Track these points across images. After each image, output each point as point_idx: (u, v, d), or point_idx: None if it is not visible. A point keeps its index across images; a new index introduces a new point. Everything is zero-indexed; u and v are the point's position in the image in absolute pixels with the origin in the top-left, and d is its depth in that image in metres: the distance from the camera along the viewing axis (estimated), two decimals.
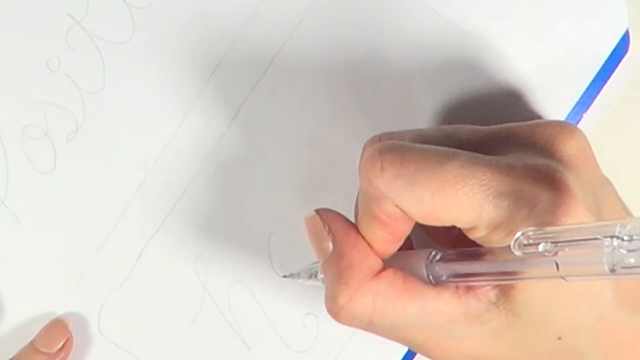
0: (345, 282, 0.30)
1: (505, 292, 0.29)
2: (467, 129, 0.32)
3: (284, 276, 0.38)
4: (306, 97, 0.38)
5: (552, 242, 0.25)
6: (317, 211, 0.33)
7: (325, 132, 0.38)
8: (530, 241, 0.25)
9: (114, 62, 0.39)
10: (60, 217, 0.39)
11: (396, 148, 0.30)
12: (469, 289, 0.30)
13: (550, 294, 0.29)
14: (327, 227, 0.32)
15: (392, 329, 0.31)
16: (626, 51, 0.38)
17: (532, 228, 0.26)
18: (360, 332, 0.38)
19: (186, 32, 0.38)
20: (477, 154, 0.29)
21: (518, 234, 0.26)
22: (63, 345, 0.39)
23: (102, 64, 0.39)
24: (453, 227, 0.30)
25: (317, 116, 0.38)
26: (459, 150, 0.29)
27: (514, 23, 0.38)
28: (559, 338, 0.30)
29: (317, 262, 0.34)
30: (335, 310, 0.31)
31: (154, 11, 0.38)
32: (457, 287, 0.30)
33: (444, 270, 0.30)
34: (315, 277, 0.36)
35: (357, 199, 0.33)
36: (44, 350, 0.38)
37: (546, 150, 0.30)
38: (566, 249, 0.25)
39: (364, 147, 0.34)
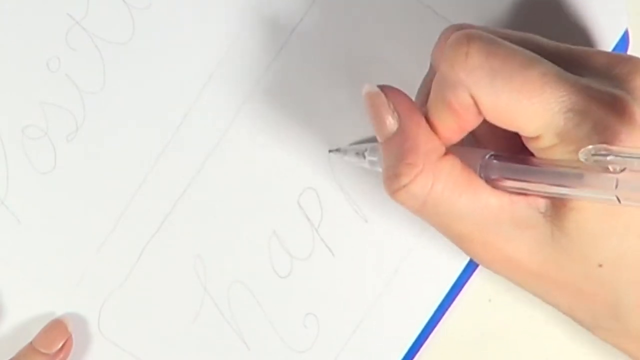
0: (409, 163, 0.30)
1: (555, 206, 0.30)
2: (549, 42, 0.32)
3: (330, 151, 0.38)
4: (306, 97, 0.38)
5: (620, 157, 0.25)
6: (381, 87, 0.32)
7: (326, 132, 0.38)
8: (598, 154, 0.26)
9: (114, 62, 0.39)
10: (60, 217, 0.39)
11: (485, 39, 0.29)
12: (520, 194, 0.30)
13: (600, 219, 0.29)
14: (391, 105, 0.31)
15: (442, 215, 0.31)
16: (625, 51, 0.38)
17: (603, 144, 0.26)
18: (360, 332, 0.39)
19: (186, 32, 0.38)
20: (559, 68, 0.29)
21: (590, 146, 0.26)
22: (63, 346, 0.39)
23: (102, 64, 0.39)
24: (512, 140, 0.30)
25: (317, 116, 0.38)
26: (544, 59, 0.29)
27: (513, 23, 0.38)
28: (600, 265, 0.30)
29: (365, 142, 0.34)
30: (395, 188, 0.31)
31: (154, 11, 0.38)
32: (507, 191, 0.30)
33: (498, 170, 0.30)
34: (364, 157, 0.36)
35: (425, 76, 0.33)
36: (43, 350, 0.38)
37: (624, 83, 0.30)
38: (630, 172, 0.25)
39: (442, 35, 0.33)
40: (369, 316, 0.39)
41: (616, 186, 0.26)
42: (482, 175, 0.31)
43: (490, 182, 0.31)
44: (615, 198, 0.26)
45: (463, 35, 0.30)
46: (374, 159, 0.36)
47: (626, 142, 0.28)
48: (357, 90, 0.38)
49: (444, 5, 0.38)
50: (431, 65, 0.34)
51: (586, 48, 0.32)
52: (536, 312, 0.38)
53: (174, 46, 0.39)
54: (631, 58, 0.31)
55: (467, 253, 0.33)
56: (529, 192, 0.30)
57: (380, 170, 0.33)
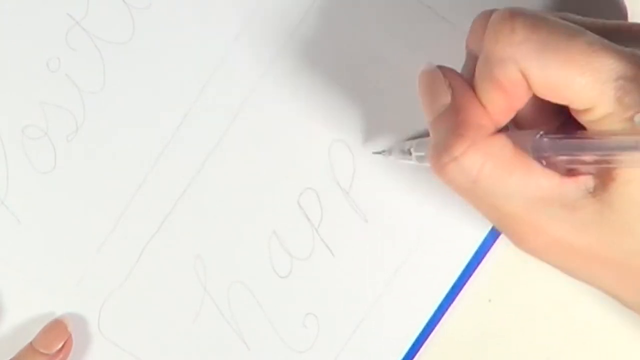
0: (461, 134, 0.30)
1: (604, 183, 0.29)
2: (583, 18, 0.32)
3: (374, 152, 0.38)
4: (306, 97, 0.38)
5: None
6: (438, 66, 0.32)
7: (325, 133, 0.38)
8: None
9: (114, 62, 0.39)
10: (60, 217, 0.39)
11: (528, 14, 0.29)
12: (570, 174, 0.30)
13: None
14: (447, 82, 0.31)
15: (491, 194, 0.30)
16: None
17: None
18: (360, 332, 0.39)
19: (186, 32, 0.38)
20: (603, 38, 0.29)
21: None
22: (62, 346, 0.39)
23: (102, 64, 0.39)
24: (555, 120, 0.30)
25: (317, 116, 0.38)
26: (587, 30, 0.29)
27: None
28: None
29: (409, 139, 0.33)
30: (444, 162, 0.30)
31: (154, 11, 0.38)
32: (558, 171, 0.30)
33: (550, 147, 0.30)
34: (410, 154, 0.35)
35: (463, 67, 0.33)
36: (43, 351, 0.38)
37: None
38: None
39: (475, 21, 0.33)
40: (369, 316, 0.39)
41: None
42: (534, 155, 0.30)
43: (543, 161, 0.30)
44: None
45: (506, 12, 0.29)
46: (422, 154, 0.35)
47: None
48: (357, 91, 0.38)
49: (444, 5, 0.38)
50: (468, 55, 0.34)
51: (619, 21, 0.32)
52: (536, 312, 0.38)
53: (174, 46, 0.39)
54: None
55: (511, 238, 0.32)
56: (581, 168, 0.30)
57: (428, 165, 0.33)
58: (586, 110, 0.29)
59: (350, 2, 0.38)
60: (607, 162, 0.29)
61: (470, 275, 0.38)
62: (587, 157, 0.29)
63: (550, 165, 0.30)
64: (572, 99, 0.29)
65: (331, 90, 0.38)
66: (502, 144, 0.30)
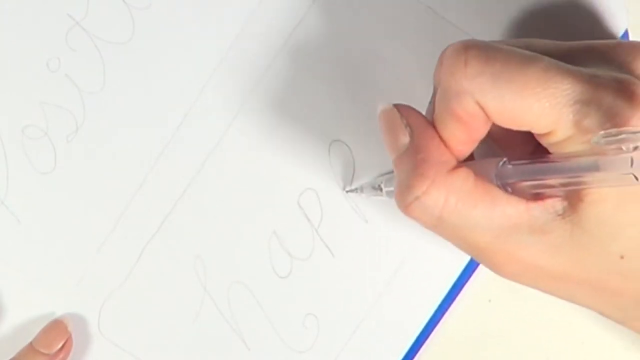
0: (421, 174, 0.30)
1: (572, 204, 0.30)
2: (547, 42, 0.32)
3: (347, 191, 0.38)
4: (306, 97, 0.38)
5: (632, 136, 0.26)
6: (395, 105, 0.32)
7: (326, 132, 0.38)
8: (610, 137, 0.26)
9: (114, 62, 0.39)
10: (60, 217, 0.39)
11: (481, 45, 0.30)
12: (536, 198, 0.30)
13: (618, 209, 0.29)
14: (404, 121, 0.32)
15: (458, 228, 0.31)
16: None
17: (613, 129, 0.26)
18: (360, 332, 0.39)
19: (186, 32, 0.38)
20: (560, 62, 0.29)
21: (601, 132, 0.26)
22: (62, 346, 0.39)
23: (102, 64, 0.39)
24: (525, 141, 0.30)
25: (317, 116, 0.38)
26: (543, 56, 0.29)
27: (513, 23, 0.38)
28: (622, 257, 0.30)
29: (380, 176, 0.33)
30: (408, 202, 0.31)
31: (154, 11, 0.38)
32: (525, 196, 0.30)
33: (513, 174, 0.30)
34: (380, 190, 0.36)
35: (431, 99, 0.33)
36: (43, 351, 0.38)
37: (626, 67, 0.30)
38: None
39: (441, 55, 0.33)
40: (369, 316, 0.39)
41: (631, 164, 0.26)
42: (498, 182, 0.31)
43: (508, 188, 0.31)
44: (632, 176, 0.26)
45: (460, 45, 0.30)
46: (391, 189, 0.36)
47: (638, 126, 0.28)
48: (356, 91, 0.38)
49: (444, 5, 0.38)
50: (434, 88, 0.34)
51: (584, 42, 0.32)
52: (536, 312, 0.38)
53: (174, 46, 0.39)
54: (631, 43, 0.31)
55: (488, 266, 0.32)
56: (549, 192, 0.30)
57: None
58: (547, 134, 0.29)
59: (349, 2, 0.38)
60: (573, 184, 0.29)
61: (470, 275, 0.38)
62: (552, 180, 0.29)
63: (517, 192, 0.30)
64: (531, 125, 0.29)
65: (331, 90, 0.38)
66: (463, 177, 0.30)
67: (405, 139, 0.31)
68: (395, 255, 0.39)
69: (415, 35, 0.38)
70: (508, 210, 0.30)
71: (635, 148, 0.26)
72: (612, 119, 0.28)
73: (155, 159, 0.39)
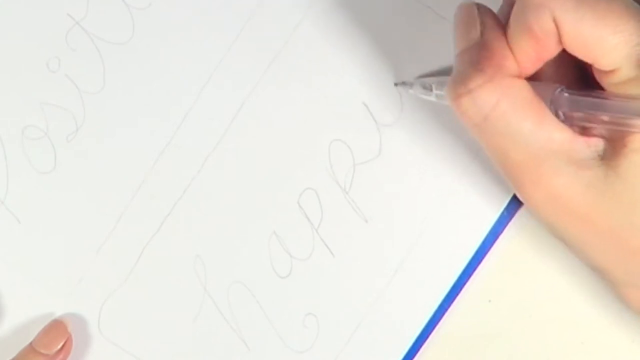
0: (480, 69, 0.30)
1: (614, 148, 0.30)
2: None
3: (395, 84, 0.37)
4: (306, 96, 0.38)
5: None
6: (476, 2, 0.32)
7: (325, 133, 0.38)
8: None
9: (114, 62, 0.39)
10: (60, 217, 0.39)
11: None
12: (583, 132, 0.30)
13: None
14: (480, 18, 0.31)
15: (501, 135, 0.30)
16: None
17: None
18: (360, 333, 0.39)
19: (186, 32, 0.38)
20: None
21: None
22: (62, 346, 0.39)
23: (101, 64, 0.39)
24: (582, 79, 0.30)
25: (317, 116, 0.38)
26: None
27: None
28: None
29: (432, 77, 0.33)
30: (459, 93, 0.30)
31: (153, 12, 0.38)
32: (573, 129, 0.30)
33: (568, 103, 0.30)
34: (430, 90, 0.35)
35: (498, 10, 0.33)
36: (43, 351, 0.38)
37: None
38: None
39: None
40: (368, 316, 0.39)
41: None
42: (552, 108, 0.30)
43: (560, 114, 0.30)
44: None
45: None
46: (442, 92, 0.35)
47: None
48: (356, 91, 0.38)
49: (444, 5, 0.38)
50: (505, 0, 0.34)
51: None
52: (536, 312, 0.38)
53: (174, 46, 0.39)
54: None
55: (515, 185, 0.32)
56: (597, 129, 0.30)
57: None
58: (610, 72, 0.29)
59: (349, 2, 0.38)
60: (622, 124, 0.29)
61: (470, 275, 0.38)
62: (604, 117, 0.29)
63: (566, 121, 0.30)
64: (599, 57, 0.29)
65: (331, 90, 0.38)
66: (521, 86, 0.30)
67: (475, 33, 0.31)
68: (395, 255, 0.39)
69: (415, 35, 0.38)
70: (554, 134, 0.30)
71: None
72: None
73: (156, 159, 0.39)
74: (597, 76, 0.30)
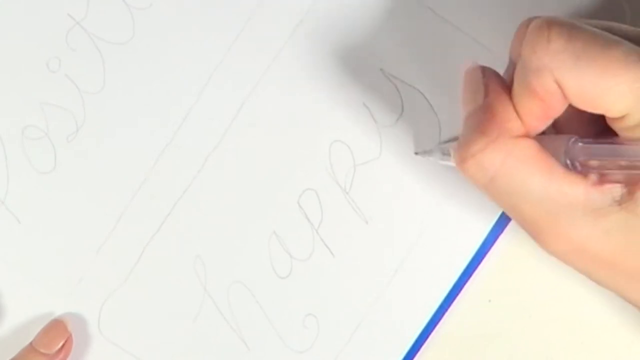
0: (483, 131, 0.30)
1: (631, 192, 0.30)
2: (626, 27, 0.32)
3: (416, 153, 0.38)
4: (306, 97, 0.38)
5: None
6: (481, 66, 0.32)
7: (325, 133, 0.38)
8: None
9: (114, 62, 0.39)
10: (60, 217, 0.39)
11: (565, 23, 0.29)
12: (597, 182, 0.30)
13: None
14: (485, 81, 0.32)
15: (510, 195, 0.31)
16: None
17: None
18: (360, 333, 0.39)
19: (186, 32, 0.38)
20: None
21: None
22: (62, 346, 0.39)
23: (102, 64, 0.39)
24: (593, 126, 0.30)
25: (317, 116, 0.38)
26: (624, 40, 0.29)
27: (514, 25, 0.38)
28: None
29: (449, 142, 0.33)
30: (464, 157, 0.30)
31: (154, 12, 0.38)
32: (586, 178, 0.30)
33: (584, 151, 0.30)
34: (449, 155, 0.36)
35: (504, 72, 0.33)
36: (43, 351, 0.38)
37: None
38: None
39: (520, 27, 0.33)
40: (368, 316, 0.39)
41: None
42: (567, 159, 0.30)
43: (577, 164, 0.30)
44: None
45: (543, 21, 0.30)
46: None
47: None
48: (357, 91, 0.38)
49: (445, 6, 0.38)
50: (510, 60, 0.34)
51: None
52: (536, 312, 0.38)
53: (175, 46, 0.39)
54: None
55: (535, 239, 0.32)
56: (611, 174, 0.30)
57: None
58: (621, 118, 0.29)
59: (350, 2, 0.38)
60: (638, 167, 0.29)
61: (470, 275, 0.38)
62: (620, 162, 0.29)
63: (583, 170, 0.30)
64: (607, 107, 0.29)
65: (331, 91, 0.38)
66: (526, 145, 0.30)
67: (480, 98, 0.31)
68: (395, 255, 0.39)
69: (415, 36, 0.38)
70: (565, 188, 0.30)
71: None
72: None
73: (156, 159, 0.39)
74: (610, 123, 0.30)
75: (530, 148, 0.30)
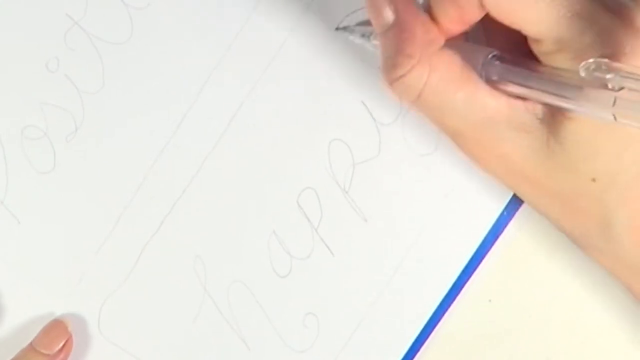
0: (407, 54, 0.30)
1: (553, 114, 0.29)
2: None
3: (337, 28, 0.37)
4: (305, 96, 0.38)
5: (620, 76, 0.25)
6: None
7: (325, 132, 0.38)
8: (599, 70, 0.25)
9: (113, 62, 0.39)
10: (60, 217, 0.39)
11: None
12: (518, 98, 0.30)
13: (597, 133, 0.29)
14: None
15: (438, 110, 0.31)
16: None
17: (604, 60, 0.25)
18: (360, 332, 0.39)
19: (185, 32, 0.38)
20: None
21: (591, 60, 0.25)
22: (63, 346, 0.39)
23: (100, 64, 0.39)
24: (517, 39, 0.29)
25: (317, 115, 0.38)
26: None
27: None
28: (593, 180, 0.30)
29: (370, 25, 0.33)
30: (391, 79, 0.30)
31: (152, 12, 0.38)
32: (506, 94, 0.30)
33: (499, 72, 0.30)
34: (368, 39, 0.35)
35: None
36: (43, 351, 0.39)
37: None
38: (629, 91, 0.25)
39: None
40: (369, 316, 0.39)
41: (614, 104, 0.25)
42: (482, 74, 0.30)
43: (490, 84, 0.30)
44: (612, 116, 0.25)
45: None
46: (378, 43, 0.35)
47: (630, 55, 0.27)
48: (357, 90, 0.38)
49: None
50: None
51: None
52: (536, 312, 0.38)
53: (173, 46, 0.39)
54: None
55: (461, 150, 0.32)
56: (529, 97, 0.30)
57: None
58: (538, 42, 0.29)
59: (347, 1, 0.38)
60: (551, 102, 0.28)
61: (470, 275, 0.38)
62: (533, 92, 0.28)
63: (499, 88, 0.30)
64: (524, 25, 0.28)
65: (330, 89, 0.38)
66: (449, 60, 0.30)
67: (389, 15, 0.31)
68: (395, 254, 0.39)
69: None
70: (489, 102, 0.30)
71: (621, 88, 0.25)
72: (605, 42, 0.27)
73: (155, 159, 0.39)
74: (530, 44, 0.29)
75: (454, 62, 0.30)
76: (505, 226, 0.38)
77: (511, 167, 0.31)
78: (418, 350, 0.39)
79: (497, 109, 0.30)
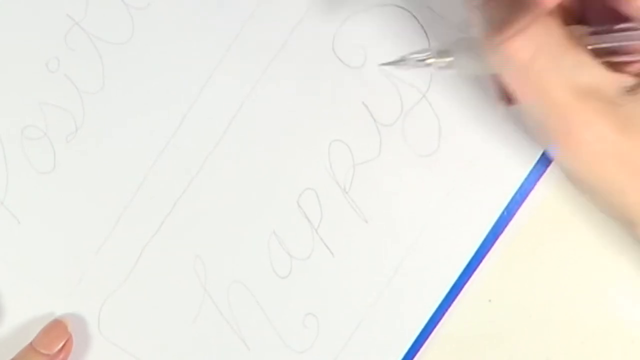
0: (525, 9, 0.29)
1: None
2: None
3: (381, 64, 0.37)
4: (305, 96, 0.38)
5: None
6: None
7: (325, 133, 0.38)
8: None
9: (113, 62, 0.39)
10: (60, 217, 0.39)
11: None
12: (614, 67, 0.30)
13: None
14: None
15: (543, 79, 0.30)
16: None
17: None
18: (360, 332, 0.39)
19: (185, 32, 0.38)
20: None
21: None
22: (63, 346, 0.39)
23: (101, 64, 0.39)
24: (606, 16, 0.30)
25: (317, 116, 0.38)
26: None
27: None
28: None
29: (421, 52, 0.33)
30: (508, 35, 0.29)
31: (152, 12, 0.38)
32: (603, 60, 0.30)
33: (594, 39, 0.30)
34: (424, 62, 0.35)
35: None
36: (43, 351, 0.38)
37: None
38: None
39: None
40: (369, 316, 0.39)
41: None
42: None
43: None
44: None
45: None
46: (450, 59, 0.34)
47: None
48: (356, 90, 0.38)
49: (443, 5, 0.37)
50: None
51: None
52: (536, 312, 0.38)
53: (174, 46, 0.39)
54: None
55: (557, 131, 0.31)
56: (624, 59, 0.30)
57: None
58: None
59: (348, 2, 0.38)
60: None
61: (470, 275, 0.38)
62: (629, 49, 0.29)
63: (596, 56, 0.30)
64: None
65: (331, 90, 0.38)
66: (556, 26, 0.30)
67: None
68: (395, 255, 0.39)
69: (414, 34, 0.38)
70: (593, 70, 0.30)
71: None
72: None
73: (155, 159, 0.39)
74: (625, 4, 0.29)
75: (560, 29, 0.30)
76: (506, 226, 0.38)
77: (604, 145, 0.30)
78: (418, 350, 0.39)
79: (600, 77, 0.30)
